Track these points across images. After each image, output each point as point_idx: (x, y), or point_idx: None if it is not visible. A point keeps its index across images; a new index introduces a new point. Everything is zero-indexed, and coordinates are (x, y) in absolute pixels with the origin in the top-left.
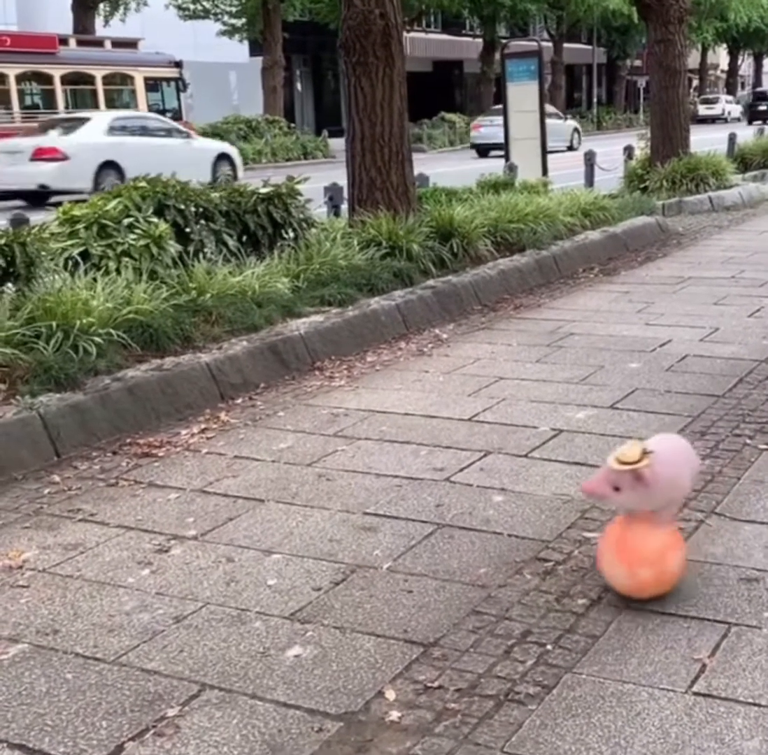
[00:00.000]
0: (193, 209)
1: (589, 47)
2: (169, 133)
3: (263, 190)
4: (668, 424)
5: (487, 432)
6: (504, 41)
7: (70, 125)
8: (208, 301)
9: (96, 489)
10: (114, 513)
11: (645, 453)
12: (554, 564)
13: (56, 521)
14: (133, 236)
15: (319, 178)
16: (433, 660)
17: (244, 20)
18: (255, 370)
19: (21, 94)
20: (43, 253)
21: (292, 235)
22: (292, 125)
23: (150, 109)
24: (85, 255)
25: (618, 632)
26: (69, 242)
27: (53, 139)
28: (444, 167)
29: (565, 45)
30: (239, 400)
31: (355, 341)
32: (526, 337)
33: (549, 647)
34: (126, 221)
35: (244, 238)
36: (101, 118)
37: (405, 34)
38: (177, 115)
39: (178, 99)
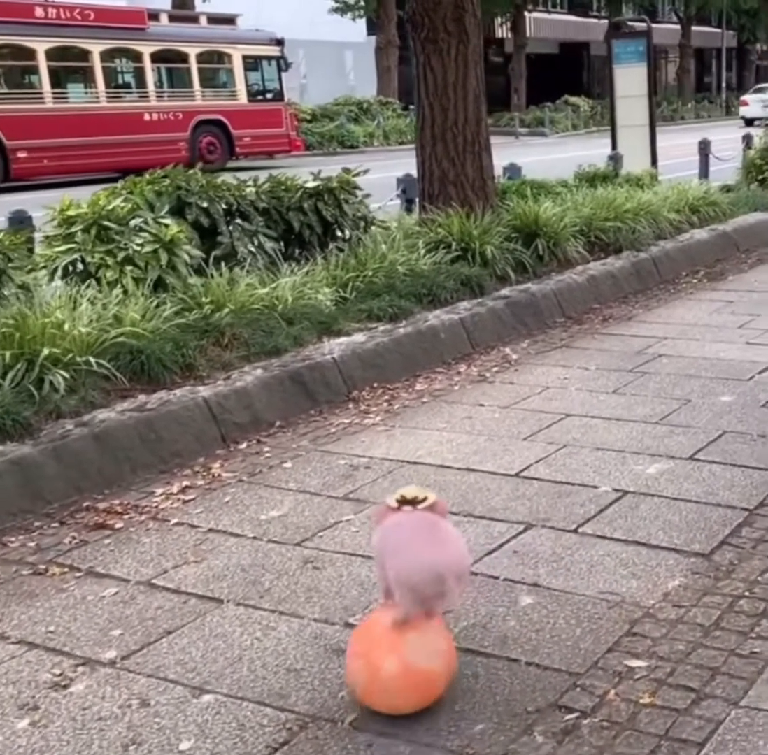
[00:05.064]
0: (223, 207)
1: (719, 31)
2: None
3: (311, 184)
4: (757, 484)
5: (535, 494)
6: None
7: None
8: (224, 318)
9: (16, 580)
10: (23, 620)
11: (421, 500)
12: (578, 717)
13: None
14: (138, 240)
15: None
16: None
17: None
18: (270, 405)
19: (107, 72)
20: (13, 264)
21: (347, 235)
22: (411, 107)
23: (248, 89)
24: (82, 263)
25: None
26: (63, 247)
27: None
28: (561, 153)
29: (694, 28)
30: (243, 445)
31: (404, 364)
32: (607, 358)
33: None
34: (134, 222)
35: (292, 238)
36: None
37: (527, 14)
38: (278, 96)
39: (280, 79)
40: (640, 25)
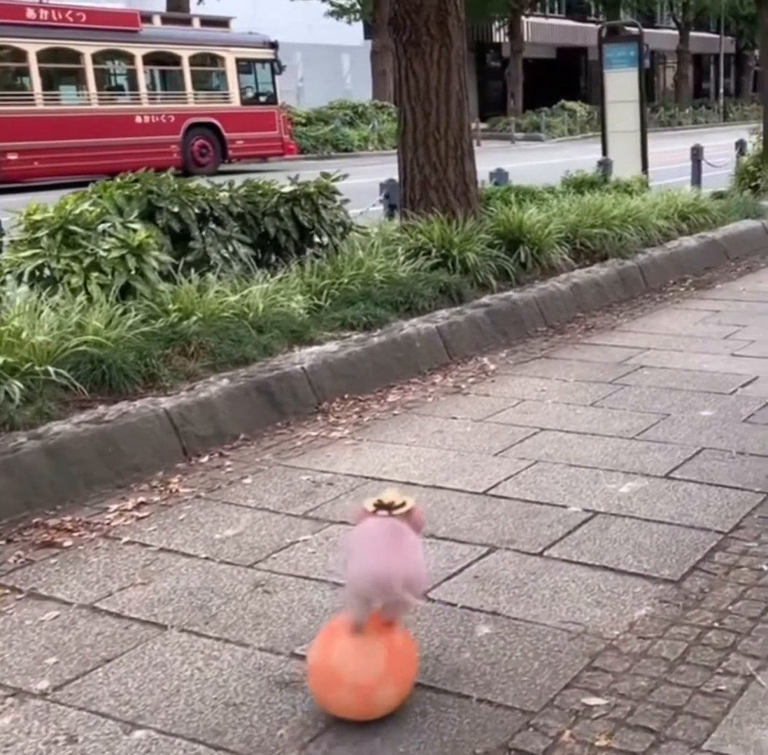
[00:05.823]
0: (196, 211)
1: (717, 36)
2: None
3: (287, 189)
4: (733, 505)
5: (502, 513)
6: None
7: None
8: (191, 326)
9: None
10: None
11: (398, 506)
12: None
13: None
14: (105, 246)
15: None
16: None
17: (353, 1)
18: (235, 417)
19: (99, 74)
20: None
21: (325, 241)
22: None
23: (241, 92)
24: (48, 269)
25: None
26: (29, 252)
27: None
28: (556, 158)
29: (692, 34)
30: (205, 458)
31: (377, 375)
32: (587, 369)
33: None
34: (101, 227)
35: (268, 244)
36: None
37: (524, 18)
38: (271, 99)
39: (273, 82)
40: (633, 30)
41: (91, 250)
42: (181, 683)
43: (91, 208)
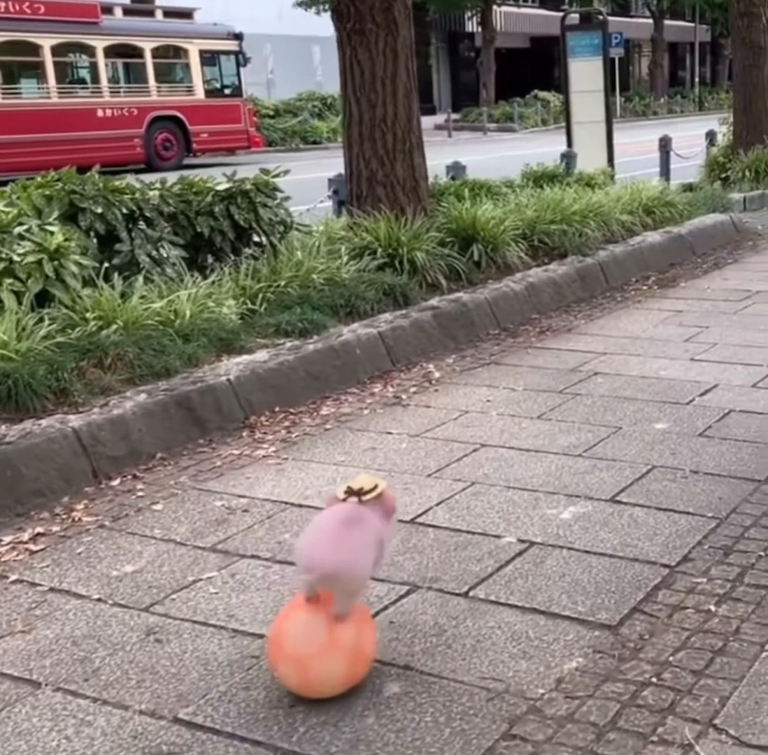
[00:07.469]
0: (123, 212)
1: (692, 25)
2: None
3: (222, 187)
4: (683, 533)
5: (428, 546)
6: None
7: None
8: (110, 336)
9: None
10: None
11: (368, 491)
12: None
13: None
14: (20, 250)
15: None
16: None
17: None
18: (152, 435)
19: (58, 67)
20: None
21: (265, 241)
22: None
23: (205, 84)
24: None
25: None
26: None
27: None
28: (528, 149)
29: (667, 22)
30: (116, 481)
31: (312, 385)
32: (538, 377)
33: None
34: (17, 230)
35: (203, 245)
36: None
37: (496, 7)
38: (236, 92)
39: (238, 74)
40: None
41: (5, 254)
42: (47, 753)
43: (7, 209)
